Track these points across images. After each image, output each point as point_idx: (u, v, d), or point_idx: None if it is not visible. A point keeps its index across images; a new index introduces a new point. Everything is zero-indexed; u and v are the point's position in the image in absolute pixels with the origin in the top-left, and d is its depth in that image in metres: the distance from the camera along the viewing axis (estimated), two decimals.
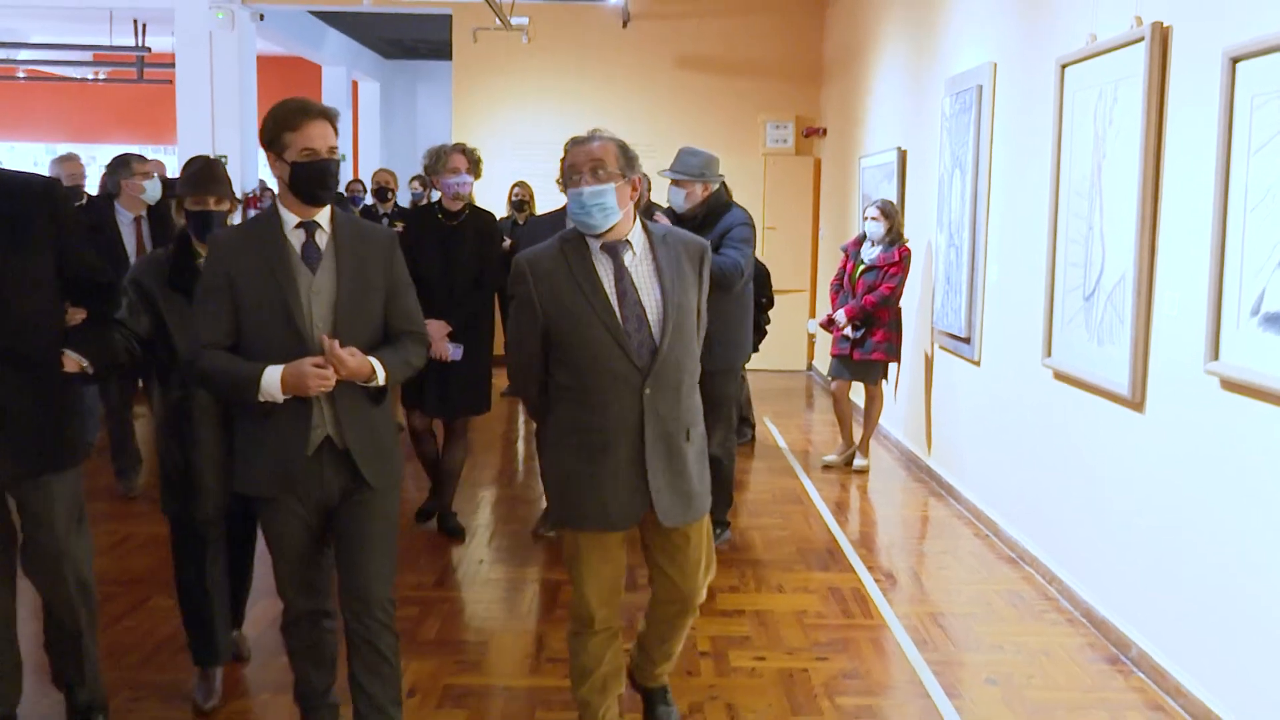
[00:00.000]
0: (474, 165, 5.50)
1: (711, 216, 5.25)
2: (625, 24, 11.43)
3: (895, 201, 7.49)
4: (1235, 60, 3.54)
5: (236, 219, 3.80)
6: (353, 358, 2.92)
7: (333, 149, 2.98)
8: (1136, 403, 4.26)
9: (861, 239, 7.11)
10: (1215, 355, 3.66)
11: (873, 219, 6.98)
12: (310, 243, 3.03)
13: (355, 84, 18.09)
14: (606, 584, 3.25)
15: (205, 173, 3.64)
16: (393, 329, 3.13)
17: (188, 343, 3.41)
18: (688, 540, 3.28)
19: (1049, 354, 5.10)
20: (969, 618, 4.72)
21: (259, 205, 10.95)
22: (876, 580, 5.14)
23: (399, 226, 7.63)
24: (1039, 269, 5.23)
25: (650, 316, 3.08)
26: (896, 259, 6.86)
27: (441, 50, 17.33)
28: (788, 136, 11.61)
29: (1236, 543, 3.60)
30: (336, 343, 2.91)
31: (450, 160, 5.41)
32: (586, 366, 3.09)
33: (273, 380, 2.90)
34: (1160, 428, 4.11)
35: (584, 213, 3.05)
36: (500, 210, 8.88)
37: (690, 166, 5.23)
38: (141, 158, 6.22)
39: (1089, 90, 4.70)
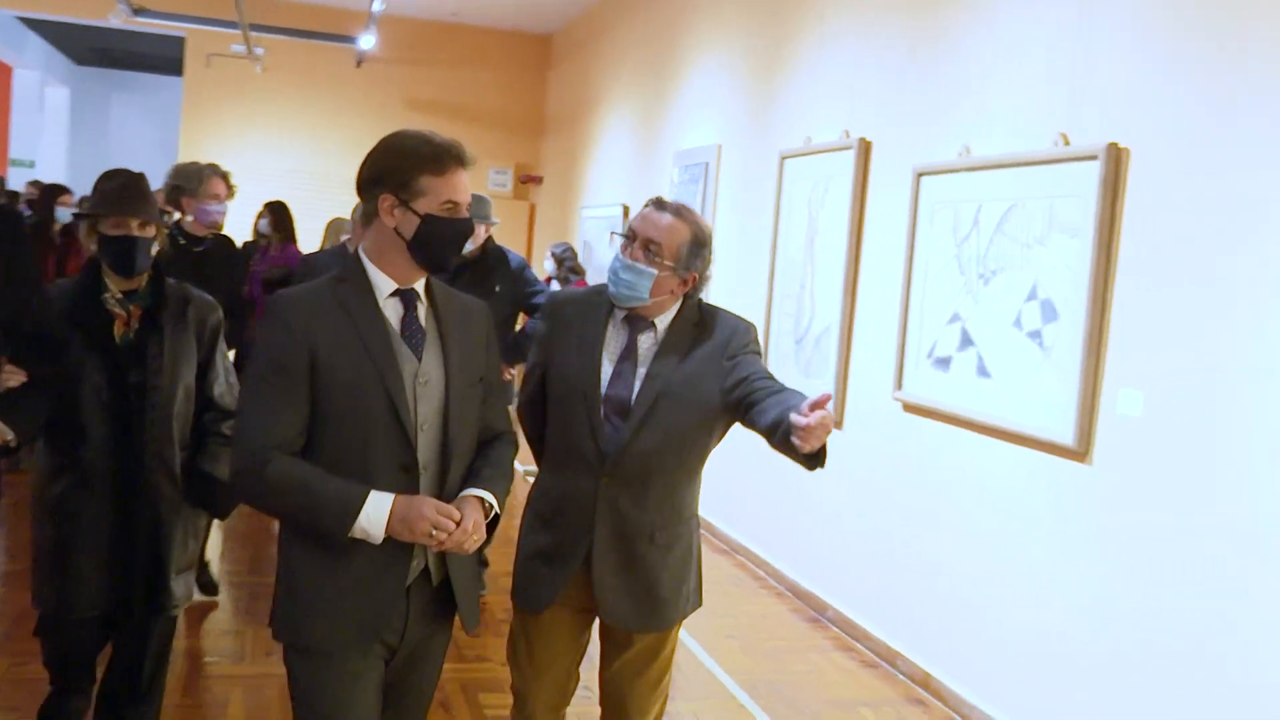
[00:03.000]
0: (231, 191, 5.14)
1: (491, 257, 5.29)
2: (359, 64, 12.07)
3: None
4: (920, 175, 4.92)
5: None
6: (473, 518, 2.29)
7: (467, 206, 2.37)
8: (836, 422, 5.58)
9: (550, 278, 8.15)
10: (900, 386, 5.01)
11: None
12: (411, 317, 2.35)
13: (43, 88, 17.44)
14: (544, 675, 2.83)
15: (129, 190, 3.01)
16: (487, 429, 2.49)
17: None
18: (642, 648, 2.83)
19: None
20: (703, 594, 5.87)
21: None
22: None
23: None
24: (757, 318, 6.51)
25: (634, 402, 2.68)
26: None
27: (143, 62, 17.12)
28: (507, 181, 12.66)
29: (910, 521, 4.94)
30: (471, 522, 2.27)
31: (211, 185, 5.00)
32: (558, 433, 2.76)
33: (378, 516, 2.18)
34: (855, 439, 5.45)
35: (611, 281, 2.71)
36: (246, 235, 9.26)
37: (484, 209, 5.28)
38: None
39: (804, 180, 6.04)
